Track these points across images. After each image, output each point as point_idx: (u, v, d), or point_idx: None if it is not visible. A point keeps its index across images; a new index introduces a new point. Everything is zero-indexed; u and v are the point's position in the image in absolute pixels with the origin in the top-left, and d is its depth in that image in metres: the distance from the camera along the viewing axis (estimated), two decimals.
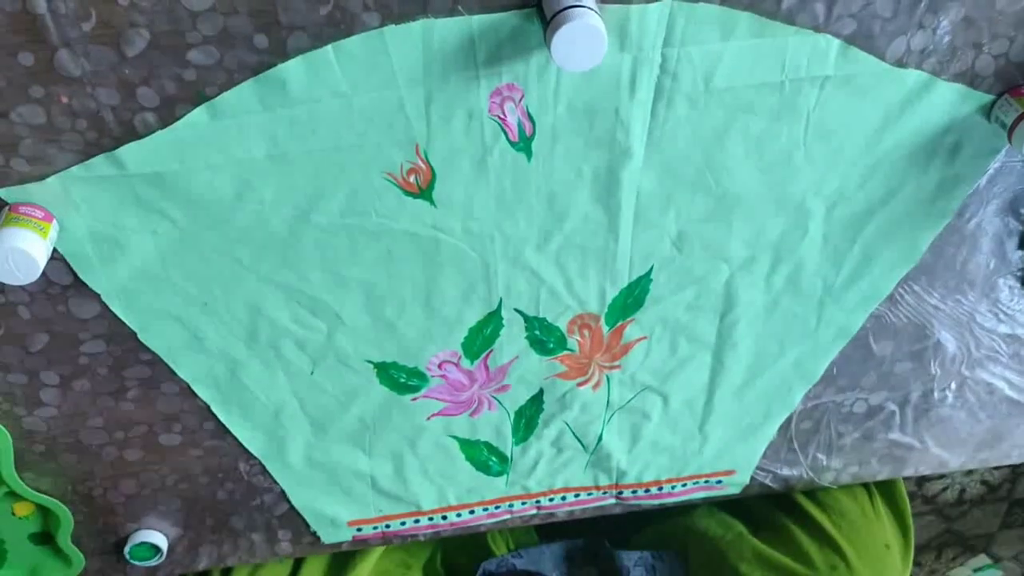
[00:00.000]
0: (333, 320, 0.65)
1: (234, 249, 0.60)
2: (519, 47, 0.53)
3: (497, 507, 0.82)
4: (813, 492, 0.87)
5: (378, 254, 0.62)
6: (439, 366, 0.70)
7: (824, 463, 0.84)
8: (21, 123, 0.52)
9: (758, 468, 0.83)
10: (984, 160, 0.64)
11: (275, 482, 0.75)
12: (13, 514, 0.73)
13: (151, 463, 0.72)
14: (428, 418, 0.74)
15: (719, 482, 0.84)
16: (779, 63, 0.57)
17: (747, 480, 0.84)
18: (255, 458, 0.73)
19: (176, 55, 0.51)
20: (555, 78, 0.55)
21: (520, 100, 0.56)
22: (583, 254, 0.65)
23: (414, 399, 0.72)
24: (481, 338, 0.69)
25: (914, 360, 0.77)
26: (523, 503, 0.82)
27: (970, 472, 1.54)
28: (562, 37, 0.49)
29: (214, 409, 0.69)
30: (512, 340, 0.69)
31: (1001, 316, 0.75)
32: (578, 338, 0.70)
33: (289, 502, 0.77)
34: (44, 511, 0.73)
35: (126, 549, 0.76)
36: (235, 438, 0.71)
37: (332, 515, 0.79)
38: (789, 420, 0.80)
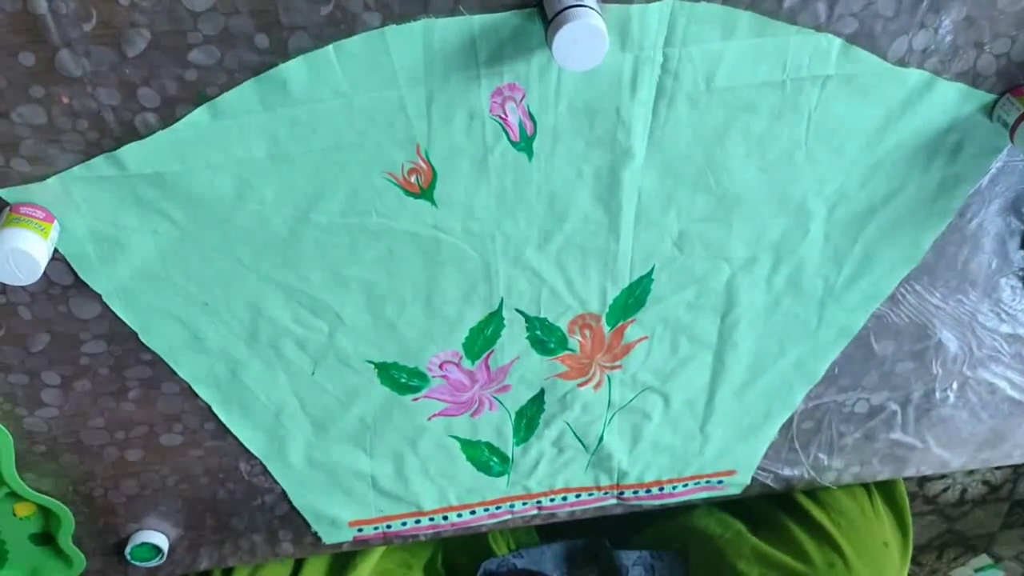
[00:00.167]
0: (334, 320, 0.65)
1: (235, 249, 0.60)
2: (520, 47, 0.53)
3: (498, 507, 0.82)
4: (812, 491, 0.87)
5: (379, 254, 0.62)
6: (440, 366, 0.70)
7: (825, 463, 0.84)
8: (22, 123, 0.52)
9: (759, 468, 0.83)
10: (986, 159, 0.64)
11: (276, 482, 0.75)
12: (14, 515, 0.73)
13: (152, 463, 0.72)
14: (429, 418, 0.73)
15: (720, 482, 0.84)
16: (780, 62, 0.57)
17: (748, 480, 0.84)
18: (256, 458, 0.73)
19: (177, 55, 0.51)
20: (556, 78, 0.55)
21: (521, 100, 0.56)
22: (584, 254, 0.65)
23: (415, 399, 0.72)
24: (482, 338, 0.69)
25: (916, 360, 0.77)
26: (524, 503, 0.82)
27: (971, 472, 1.53)
28: (563, 37, 0.49)
29: (215, 409, 0.69)
30: (513, 340, 0.69)
31: (1003, 316, 0.75)
32: (579, 338, 0.70)
33: (290, 502, 0.77)
34: (45, 512, 0.73)
35: (127, 550, 0.76)
36: (236, 438, 0.71)
37: (333, 515, 0.79)
38: (790, 420, 0.80)
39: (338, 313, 0.65)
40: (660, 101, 0.57)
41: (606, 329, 0.70)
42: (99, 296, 0.61)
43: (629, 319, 0.70)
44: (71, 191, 0.55)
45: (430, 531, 0.83)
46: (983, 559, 1.71)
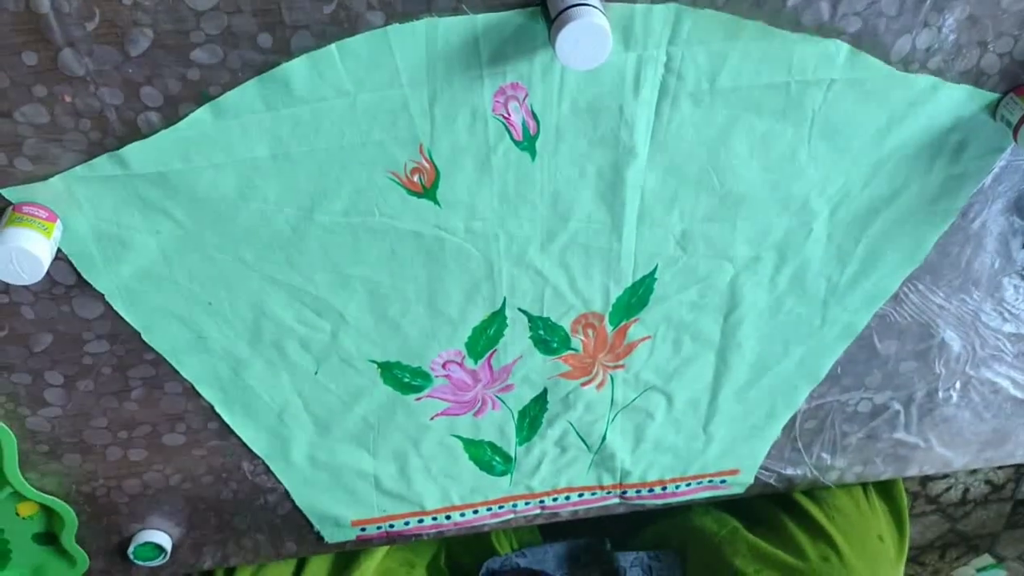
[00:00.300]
0: (337, 320, 0.65)
1: (238, 248, 0.60)
2: (523, 46, 0.53)
3: (501, 507, 0.82)
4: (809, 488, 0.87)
5: (382, 253, 0.62)
6: (443, 366, 0.70)
7: (828, 463, 0.84)
8: (25, 123, 0.52)
9: (762, 468, 0.83)
10: (989, 159, 0.64)
11: (279, 482, 0.75)
12: (17, 514, 0.73)
13: (155, 463, 0.72)
14: (432, 418, 0.73)
15: (723, 482, 0.84)
16: (785, 65, 0.57)
17: (751, 480, 0.84)
18: (259, 458, 0.73)
19: (180, 54, 0.51)
20: (559, 77, 0.55)
21: (524, 99, 0.56)
22: (587, 253, 0.65)
23: (418, 399, 0.72)
24: (485, 338, 0.69)
25: (919, 359, 0.77)
26: (527, 503, 0.82)
27: (974, 472, 1.53)
28: (567, 36, 0.49)
29: (218, 409, 0.69)
30: (516, 340, 0.69)
31: (1006, 315, 0.75)
32: (582, 338, 0.70)
33: (293, 502, 0.77)
34: (48, 511, 0.73)
35: (130, 549, 0.76)
36: (239, 438, 0.71)
37: (336, 515, 0.79)
38: (793, 420, 0.79)
39: (341, 313, 0.65)
40: (663, 100, 0.57)
41: (609, 328, 0.70)
42: (102, 296, 0.61)
43: (632, 318, 0.70)
44: (74, 190, 0.55)
45: (433, 530, 0.83)
46: (986, 559, 1.71)
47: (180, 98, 0.52)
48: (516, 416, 0.75)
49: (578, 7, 0.49)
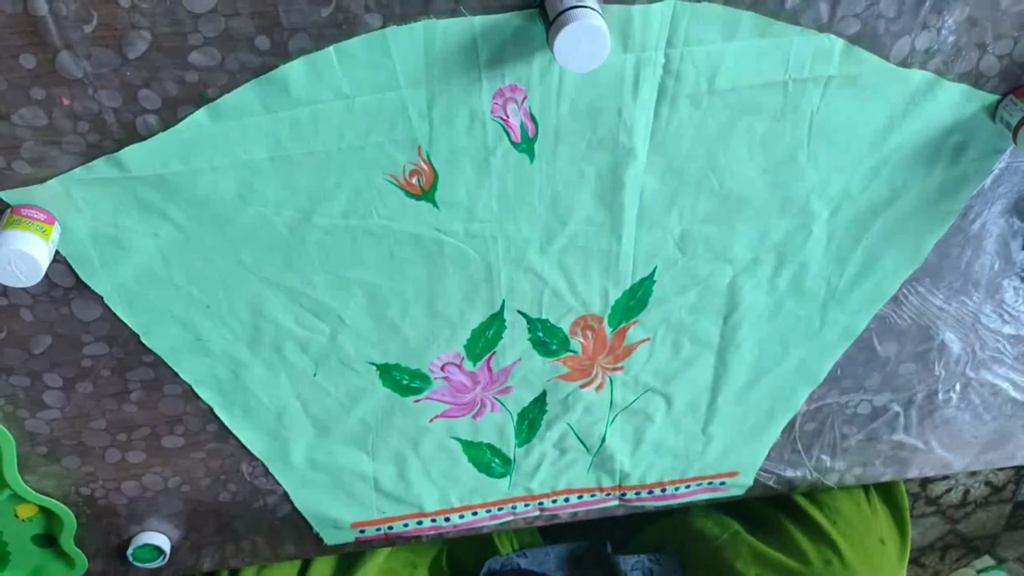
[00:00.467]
0: (335, 322, 0.65)
1: (236, 251, 0.60)
2: (521, 48, 0.53)
3: (500, 509, 0.82)
4: (810, 490, 0.87)
5: (380, 256, 0.62)
6: (442, 368, 0.70)
7: (828, 464, 0.84)
8: (23, 125, 0.52)
9: (761, 470, 0.83)
10: (989, 160, 0.64)
11: (278, 484, 0.75)
12: (16, 516, 0.73)
13: (154, 465, 0.72)
14: (431, 420, 0.73)
15: (723, 484, 0.84)
16: (782, 63, 0.57)
17: (750, 482, 0.84)
18: (258, 460, 0.73)
19: (178, 57, 0.50)
20: (558, 79, 0.55)
21: (523, 101, 0.56)
22: (586, 255, 0.65)
23: (417, 401, 0.72)
24: (484, 340, 0.68)
25: (918, 361, 0.77)
26: (526, 505, 0.82)
27: (974, 473, 1.53)
28: (565, 38, 0.49)
29: (217, 411, 0.69)
30: (515, 342, 0.69)
31: (1006, 317, 0.75)
32: (581, 340, 0.70)
33: (292, 504, 0.77)
34: (47, 513, 0.73)
35: (129, 551, 0.76)
36: (238, 440, 0.71)
37: (335, 517, 0.79)
38: (793, 421, 0.79)
39: (340, 315, 0.65)
40: (662, 102, 0.57)
41: (608, 330, 0.70)
42: (100, 298, 0.60)
43: (631, 320, 0.70)
44: (72, 193, 0.55)
45: (432, 532, 0.83)
46: (986, 560, 1.70)
47: (178, 100, 0.52)
48: (515, 418, 0.75)
49: (576, 9, 0.49)
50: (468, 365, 0.70)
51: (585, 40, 0.49)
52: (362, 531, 0.81)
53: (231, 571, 0.84)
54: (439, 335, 0.67)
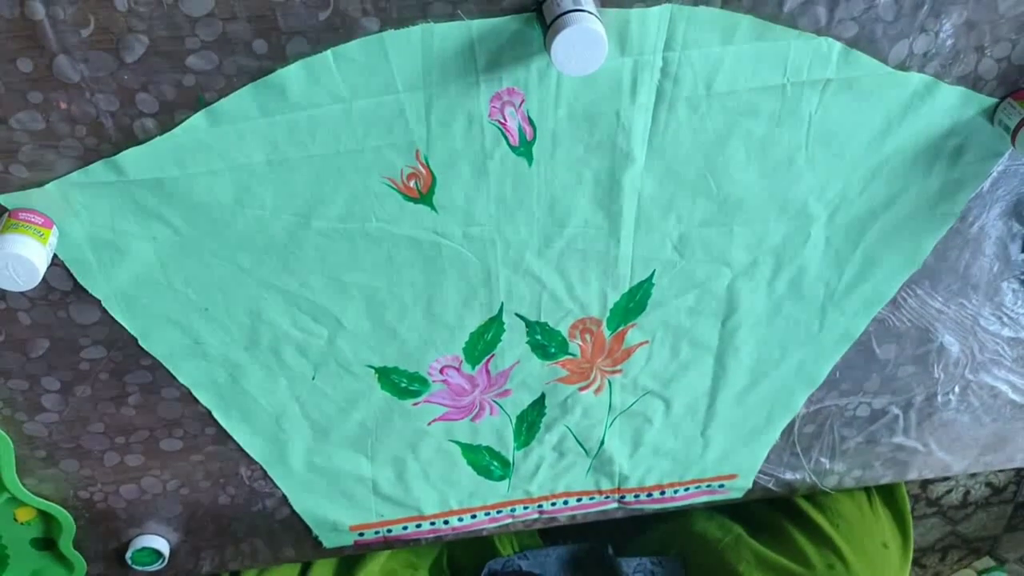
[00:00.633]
0: (334, 325, 0.65)
1: (234, 254, 0.60)
2: (519, 51, 0.53)
3: (499, 511, 0.82)
4: (812, 493, 0.87)
5: (379, 259, 0.62)
6: (440, 371, 0.70)
7: (827, 467, 0.84)
8: (20, 129, 0.52)
9: (760, 472, 0.83)
10: (987, 163, 0.64)
11: (276, 487, 0.75)
12: (15, 520, 0.73)
13: (152, 468, 0.72)
14: (430, 423, 0.73)
15: (721, 486, 0.84)
16: (780, 66, 0.57)
17: (749, 484, 0.84)
18: (256, 463, 0.73)
19: (175, 61, 0.50)
20: (556, 82, 0.55)
21: (520, 104, 0.56)
22: (584, 259, 0.65)
23: (415, 404, 0.72)
24: (482, 343, 0.68)
25: (917, 364, 0.77)
26: (525, 507, 0.82)
27: (975, 474, 1.53)
28: (562, 41, 0.49)
29: (215, 414, 0.69)
30: (513, 345, 0.69)
31: (1005, 319, 0.75)
32: (580, 343, 0.70)
33: (290, 507, 0.77)
34: (46, 516, 0.73)
35: (128, 554, 0.76)
36: (236, 443, 0.71)
37: (334, 520, 0.79)
38: (792, 424, 0.79)
39: (338, 318, 0.65)
40: (660, 105, 0.57)
41: (607, 333, 0.70)
42: (98, 302, 0.60)
43: (630, 323, 0.70)
44: (70, 197, 0.55)
45: (431, 535, 0.82)
46: (987, 561, 1.70)
47: (176, 104, 0.52)
48: (514, 421, 0.75)
49: (573, 13, 0.49)
50: (467, 368, 0.70)
51: (582, 44, 0.49)
52: (361, 534, 0.81)
53: (231, 574, 0.84)
54: (437, 338, 0.67)
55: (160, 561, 0.77)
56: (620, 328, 0.70)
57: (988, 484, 1.56)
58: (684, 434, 0.78)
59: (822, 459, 0.83)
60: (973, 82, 0.60)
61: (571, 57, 0.49)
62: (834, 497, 0.87)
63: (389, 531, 0.81)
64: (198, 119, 0.53)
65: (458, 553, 0.94)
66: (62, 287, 0.59)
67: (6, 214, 0.54)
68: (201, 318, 0.63)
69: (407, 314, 0.65)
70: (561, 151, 0.58)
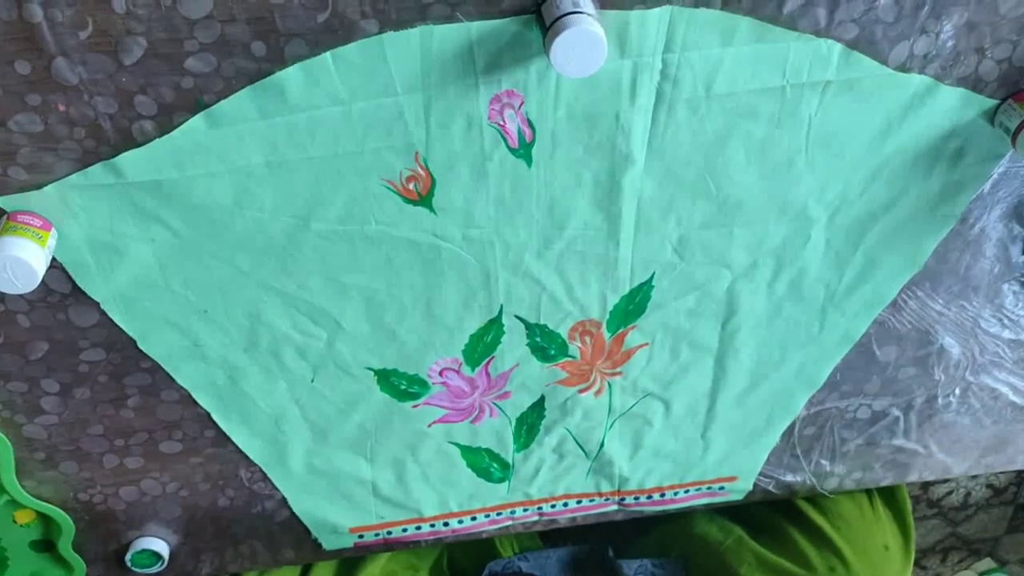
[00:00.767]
0: (333, 327, 0.65)
1: (234, 256, 0.60)
2: (518, 53, 0.53)
3: (499, 514, 0.82)
4: (812, 495, 0.87)
5: (378, 261, 0.62)
6: (440, 373, 0.70)
7: (827, 469, 0.84)
8: (19, 132, 0.52)
9: (761, 474, 0.83)
10: (987, 165, 0.64)
11: (276, 489, 0.75)
12: (14, 522, 0.73)
13: (152, 470, 0.72)
14: (429, 425, 0.73)
15: (722, 488, 0.84)
16: (780, 68, 0.57)
17: (750, 486, 0.84)
18: (256, 465, 0.73)
19: (174, 63, 0.50)
20: (555, 84, 0.55)
21: (520, 106, 0.56)
22: (584, 260, 0.65)
23: (415, 406, 0.72)
24: (482, 345, 0.68)
25: (918, 366, 0.77)
26: (525, 510, 0.82)
27: (975, 475, 1.53)
28: (562, 43, 0.49)
29: (214, 416, 0.69)
30: (513, 347, 0.69)
31: (1005, 321, 0.75)
32: (579, 345, 0.70)
33: (290, 509, 0.77)
34: (45, 519, 0.73)
35: (127, 556, 0.76)
36: (236, 445, 0.71)
37: (333, 522, 0.79)
38: (792, 426, 0.79)
39: (337, 320, 0.65)
40: (659, 107, 0.57)
41: (606, 335, 0.70)
42: (97, 304, 0.60)
43: (630, 325, 0.69)
44: (68, 199, 0.55)
45: (431, 537, 0.82)
46: (987, 563, 1.70)
47: (174, 107, 0.52)
48: (514, 423, 0.75)
49: (573, 15, 0.49)
50: (466, 370, 0.70)
51: (582, 46, 0.49)
52: (361, 536, 0.81)
53: (233, 574, 0.84)
54: (437, 340, 0.67)
55: (160, 563, 0.77)
56: (620, 330, 0.70)
57: (989, 486, 1.56)
58: (684, 436, 0.78)
59: (822, 461, 0.83)
60: (973, 84, 0.60)
61: (570, 59, 0.49)
62: (835, 499, 0.86)
63: (389, 533, 0.81)
64: (197, 121, 0.53)
65: (458, 555, 0.94)
66: (61, 289, 0.59)
67: (5, 216, 0.54)
68: (200, 320, 0.63)
69: (406, 316, 0.65)
70: (560, 153, 0.58)
